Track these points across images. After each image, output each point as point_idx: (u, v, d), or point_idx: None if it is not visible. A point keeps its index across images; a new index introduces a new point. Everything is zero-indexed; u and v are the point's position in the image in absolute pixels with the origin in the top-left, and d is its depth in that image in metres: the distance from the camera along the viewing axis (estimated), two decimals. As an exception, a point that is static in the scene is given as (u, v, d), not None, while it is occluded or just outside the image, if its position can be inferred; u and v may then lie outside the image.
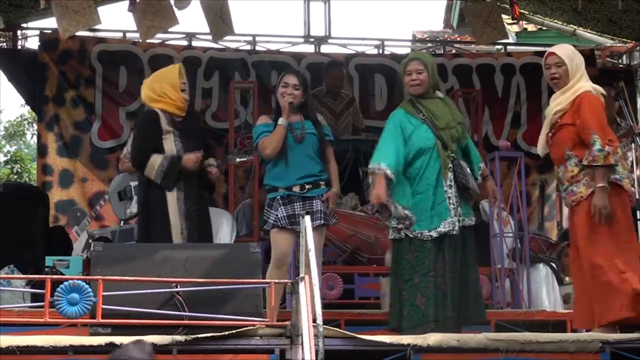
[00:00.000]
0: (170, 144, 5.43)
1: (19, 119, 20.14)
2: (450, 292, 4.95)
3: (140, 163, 5.46)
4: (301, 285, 3.92)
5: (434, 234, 4.99)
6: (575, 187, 4.88)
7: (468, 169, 5.13)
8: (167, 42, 9.05)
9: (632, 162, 7.76)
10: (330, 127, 7.66)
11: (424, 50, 10.34)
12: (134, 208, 6.53)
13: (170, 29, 8.37)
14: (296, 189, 5.33)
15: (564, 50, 5.06)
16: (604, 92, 4.98)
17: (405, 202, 5.03)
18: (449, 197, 5.04)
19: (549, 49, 5.15)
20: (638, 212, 7.25)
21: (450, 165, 5.07)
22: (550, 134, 5.00)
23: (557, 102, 4.97)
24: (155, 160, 5.36)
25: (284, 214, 5.27)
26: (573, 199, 4.87)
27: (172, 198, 5.38)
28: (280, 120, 5.37)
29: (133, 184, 6.54)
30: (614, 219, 4.74)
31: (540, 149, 5.15)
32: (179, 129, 5.50)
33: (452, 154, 5.09)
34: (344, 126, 7.90)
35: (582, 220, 4.85)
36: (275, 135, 5.35)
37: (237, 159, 6.75)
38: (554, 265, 7.03)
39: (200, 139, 5.72)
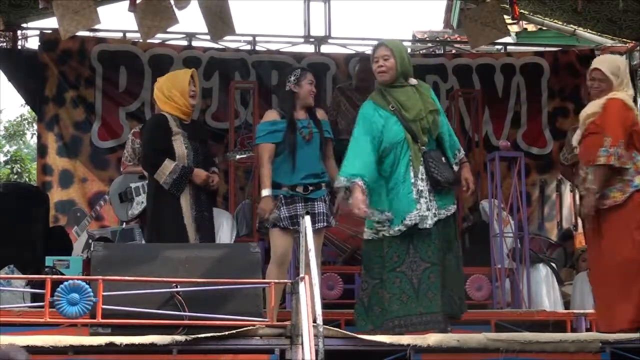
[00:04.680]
0: (180, 145, 5.48)
1: (19, 119, 20.16)
2: (427, 286, 4.75)
3: (150, 164, 5.50)
4: (301, 285, 3.92)
5: (401, 227, 4.79)
6: (608, 190, 4.91)
7: (443, 159, 4.94)
8: (167, 42, 9.04)
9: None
10: (349, 120, 7.67)
11: (424, 50, 10.37)
12: (135, 210, 6.53)
13: (170, 29, 8.36)
14: (299, 189, 5.33)
15: (607, 64, 5.09)
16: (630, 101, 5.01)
17: (384, 206, 4.88)
18: (421, 190, 4.83)
19: (594, 65, 5.15)
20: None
21: (422, 158, 4.88)
22: (580, 137, 5.09)
23: (591, 106, 5.05)
24: (168, 166, 5.38)
25: (287, 215, 5.28)
26: (605, 203, 4.89)
27: (186, 204, 5.41)
28: (266, 192, 5.31)
29: (133, 185, 6.54)
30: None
31: (574, 143, 5.21)
32: (187, 131, 5.55)
33: (423, 147, 4.89)
34: None
35: (613, 226, 4.89)
36: (264, 177, 5.35)
37: (237, 156, 6.75)
38: (554, 265, 7.04)
39: (207, 146, 5.81)
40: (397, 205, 4.84)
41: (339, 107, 7.57)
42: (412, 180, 4.84)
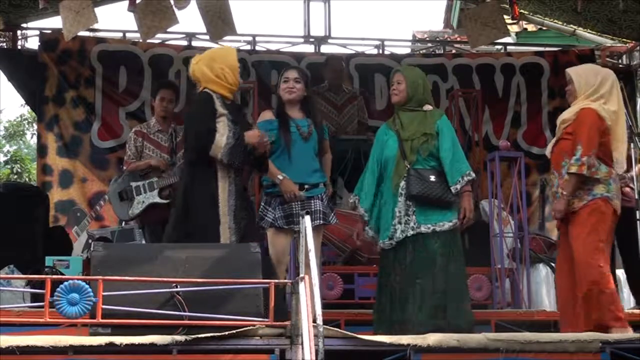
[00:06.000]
0: (224, 127, 5.17)
1: (19, 119, 20.20)
2: (404, 297, 5.10)
3: (204, 144, 5.11)
4: (301, 285, 3.92)
5: (393, 242, 5.21)
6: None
7: (432, 178, 5.19)
8: (167, 42, 9.05)
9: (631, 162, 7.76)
10: (333, 121, 7.72)
11: (424, 50, 10.36)
12: (135, 209, 6.51)
13: (170, 29, 8.37)
14: None
15: (575, 70, 5.32)
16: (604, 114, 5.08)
17: (372, 222, 5.35)
18: (400, 206, 5.21)
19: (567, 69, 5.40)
20: (638, 212, 7.26)
21: (405, 175, 5.20)
22: (555, 142, 5.24)
23: (565, 113, 5.19)
24: (219, 140, 5.08)
25: (282, 214, 5.29)
26: (554, 207, 5.11)
27: (223, 191, 5.11)
28: (281, 176, 5.30)
29: (134, 184, 6.52)
30: (595, 232, 4.95)
31: (547, 152, 5.37)
32: (231, 113, 5.27)
33: (408, 165, 5.21)
34: (347, 119, 7.90)
35: (570, 231, 5.04)
36: (270, 168, 5.32)
37: None
38: (554, 265, 7.02)
39: (247, 128, 5.51)
40: (386, 220, 5.25)
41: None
42: (399, 198, 5.21)
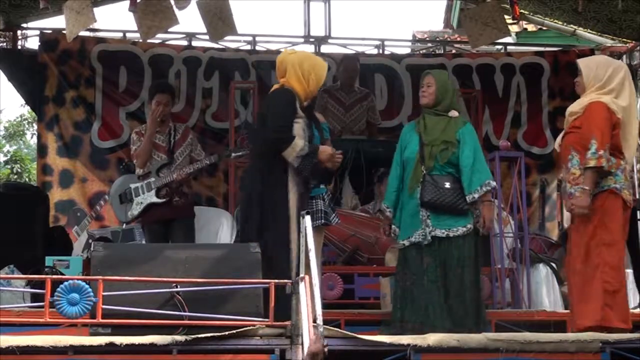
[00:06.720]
0: (299, 129, 5.10)
1: (19, 119, 20.18)
2: (418, 298, 5.14)
3: (282, 139, 5.03)
4: (301, 285, 3.92)
5: (406, 242, 5.28)
6: (573, 189, 4.99)
7: (447, 185, 5.22)
8: (167, 42, 9.05)
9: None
10: (339, 120, 7.72)
11: (424, 50, 10.36)
12: (134, 210, 6.49)
13: (170, 29, 8.37)
14: None
15: (585, 61, 5.26)
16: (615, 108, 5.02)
17: (396, 220, 5.42)
18: (420, 209, 5.25)
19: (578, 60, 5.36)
20: (638, 212, 7.24)
21: (421, 179, 5.24)
22: (562, 135, 5.19)
23: (573, 105, 5.14)
24: (297, 143, 5.02)
25: None
26: (573, 202, 4.98)
27: (294, 196, 5.03)
28: None
29: (133, 186, 6.51)
30: (603, 226, 4.89)
31: (555, 145, 5.34)
32: (307, 117, 5.20)
33: (425, 170, 5.25)
34: (354, 119, 7.88)
35: (584, 225, 4.95)
36: None
37: (234, 154, 6.73)
38: (554, 265, 7.03)
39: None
40: (405, 220, 5.33)
41: (325, 108, 7.59)
42: (418, 201, 5.24)
